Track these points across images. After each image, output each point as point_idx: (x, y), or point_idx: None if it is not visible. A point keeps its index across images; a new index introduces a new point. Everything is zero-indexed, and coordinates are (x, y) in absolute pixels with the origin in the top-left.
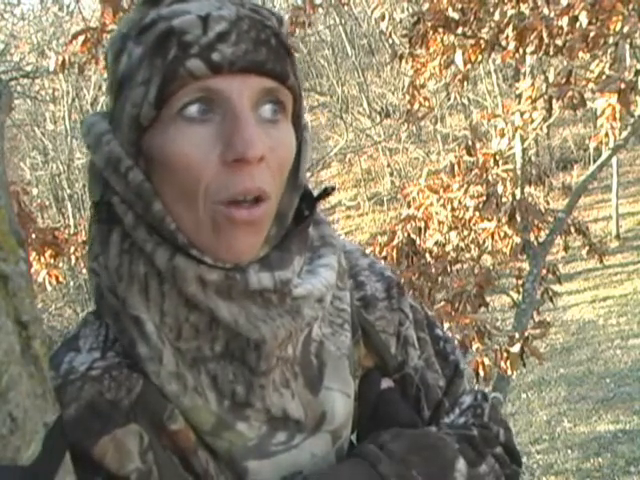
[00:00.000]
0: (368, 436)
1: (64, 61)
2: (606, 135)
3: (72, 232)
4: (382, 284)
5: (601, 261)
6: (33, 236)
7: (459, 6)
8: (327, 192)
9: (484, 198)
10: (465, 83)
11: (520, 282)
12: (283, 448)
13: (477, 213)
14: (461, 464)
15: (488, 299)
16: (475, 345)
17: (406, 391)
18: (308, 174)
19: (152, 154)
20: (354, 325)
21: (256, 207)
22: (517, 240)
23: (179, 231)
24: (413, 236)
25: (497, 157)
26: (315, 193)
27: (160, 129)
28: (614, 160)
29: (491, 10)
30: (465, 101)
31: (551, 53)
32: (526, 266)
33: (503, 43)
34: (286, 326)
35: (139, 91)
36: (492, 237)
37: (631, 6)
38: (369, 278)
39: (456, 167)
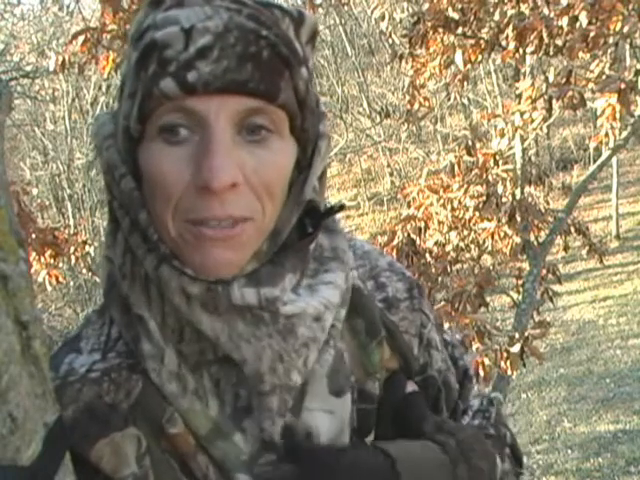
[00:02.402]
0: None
1: (64, 61)
2: (606, 135)
3: (72, 232)
4: (403, 284)
5: (601, 261)
6: (33, 236)
7: (459, 6)
8: (335, 209)
9: (484, 198)
10: (465, 83)
11: (520, 282)
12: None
13: (477, 213)
14: (498, 459)
15: (488, 299)
16: (475, 345)
17: (427, 393)
18: None
19: (142, 167)
20: (376, 327)
21: (230, 227)
22: (517, 240)
23: (161, 242)
24: (413, 236)
25: (497, 157)
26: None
27: (146, 144)
28: (614, 160)
29: (491, 10)
30: (465, 101)
31: (551, 53)
32: (526, 266)
33: (503, 43)
34: (273, 347)
35: (127, 104)
36: (492, 237)
37: (631, 6)
38: (390, 278)
39: (456, 167)
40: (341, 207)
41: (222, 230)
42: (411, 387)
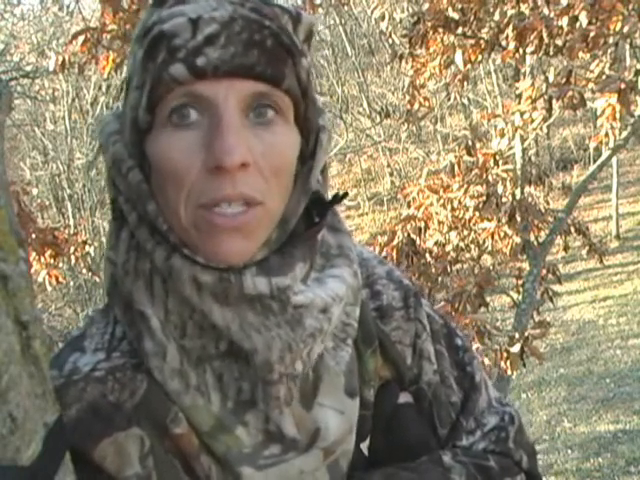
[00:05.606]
0: (379, 449)
1: (64, 61)
2: (606, 135)
3: (72, 232)
4: (399, 293)
5: (601, 261)
6: (33, 236)
7: (459, 6)
8: (338, 198)
9: (484, 198)
10: (465, 83)
11: (520, 282)
12: (271, 462)
13: (477, 213)
14: None
15: (488, 299)
16: (475, 345)
17: (421, 405)
18: None
19: (151, 157)
20: (371, 335)
21: (242, 214)
22: (517, 240)
23: (171, 232)
24: (413, 236)
25: (497, 157)
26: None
27: (155, 133)
28: (614, 160)
29: (491, 10)
30: (465, 101)
31: (551, 53)
32: (526, 266)
33: (503, 43)
34: (282, 337)
35: (135, 95)
36: (492, 237)
37: (631, 6)
38: (386, 287)
39: (456, 167)
40: (345, 194)
41: (233, 219)
42: (404, 398)
